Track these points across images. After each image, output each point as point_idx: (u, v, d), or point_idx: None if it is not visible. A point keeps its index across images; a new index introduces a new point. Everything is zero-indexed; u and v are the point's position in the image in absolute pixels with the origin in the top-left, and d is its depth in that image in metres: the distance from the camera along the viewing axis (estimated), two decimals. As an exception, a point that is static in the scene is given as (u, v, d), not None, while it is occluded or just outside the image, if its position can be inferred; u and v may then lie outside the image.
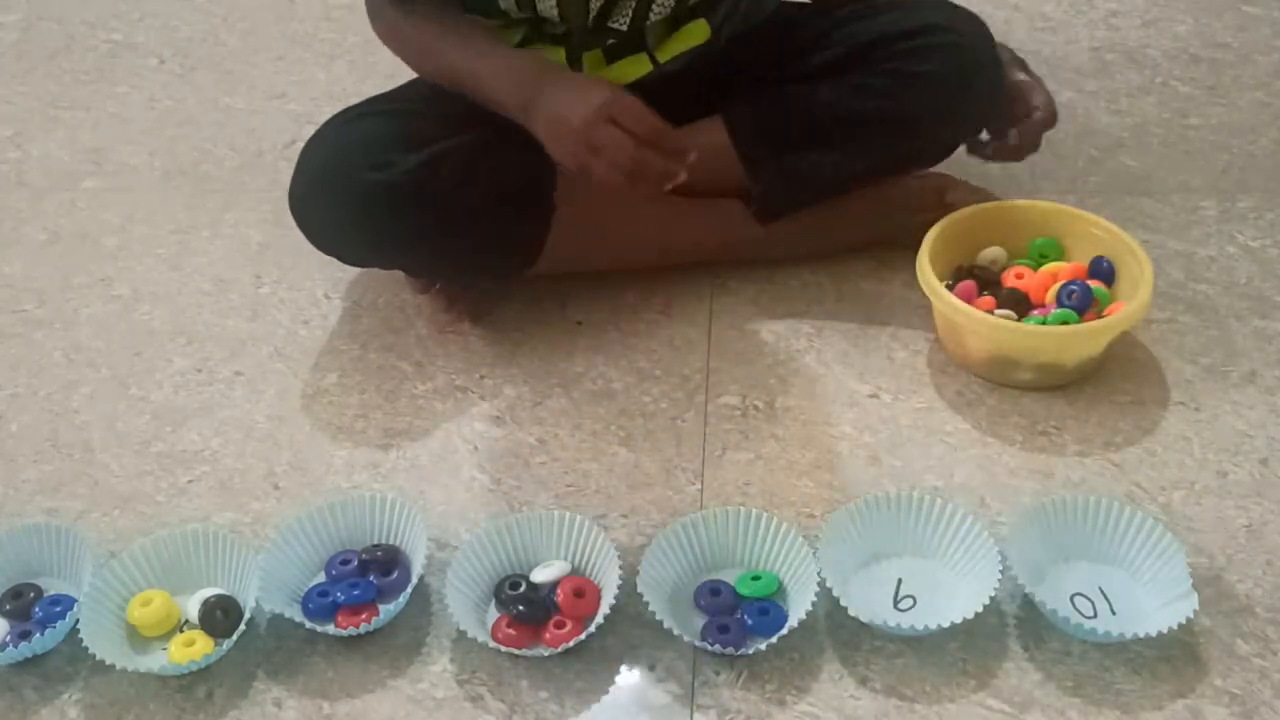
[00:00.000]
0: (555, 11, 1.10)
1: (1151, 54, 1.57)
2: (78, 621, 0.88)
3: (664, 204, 1.17)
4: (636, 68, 1.16)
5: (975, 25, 1.16)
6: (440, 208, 1.05)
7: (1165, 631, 0.83)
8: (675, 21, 1.15)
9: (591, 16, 1.10)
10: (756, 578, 0.90)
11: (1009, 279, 1.11)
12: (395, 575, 0.92)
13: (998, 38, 1.17)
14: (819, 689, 0.85)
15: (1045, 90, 1.16)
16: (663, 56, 1.16)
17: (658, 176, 0.98)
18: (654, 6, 1.11)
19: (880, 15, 1.17)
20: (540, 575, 0.91)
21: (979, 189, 1.20)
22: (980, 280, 1.10)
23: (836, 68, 1.14)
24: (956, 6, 1.17)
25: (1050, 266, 1.12)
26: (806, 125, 1.14)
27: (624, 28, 1.12)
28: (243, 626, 0.88)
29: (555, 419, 1.08)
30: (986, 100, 1.17)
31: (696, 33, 1.16)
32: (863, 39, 1.14)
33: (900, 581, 0.91)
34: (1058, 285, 1.09)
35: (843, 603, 0.85)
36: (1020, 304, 1.08)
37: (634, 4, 1.10)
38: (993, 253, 1.14)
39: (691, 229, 1.18)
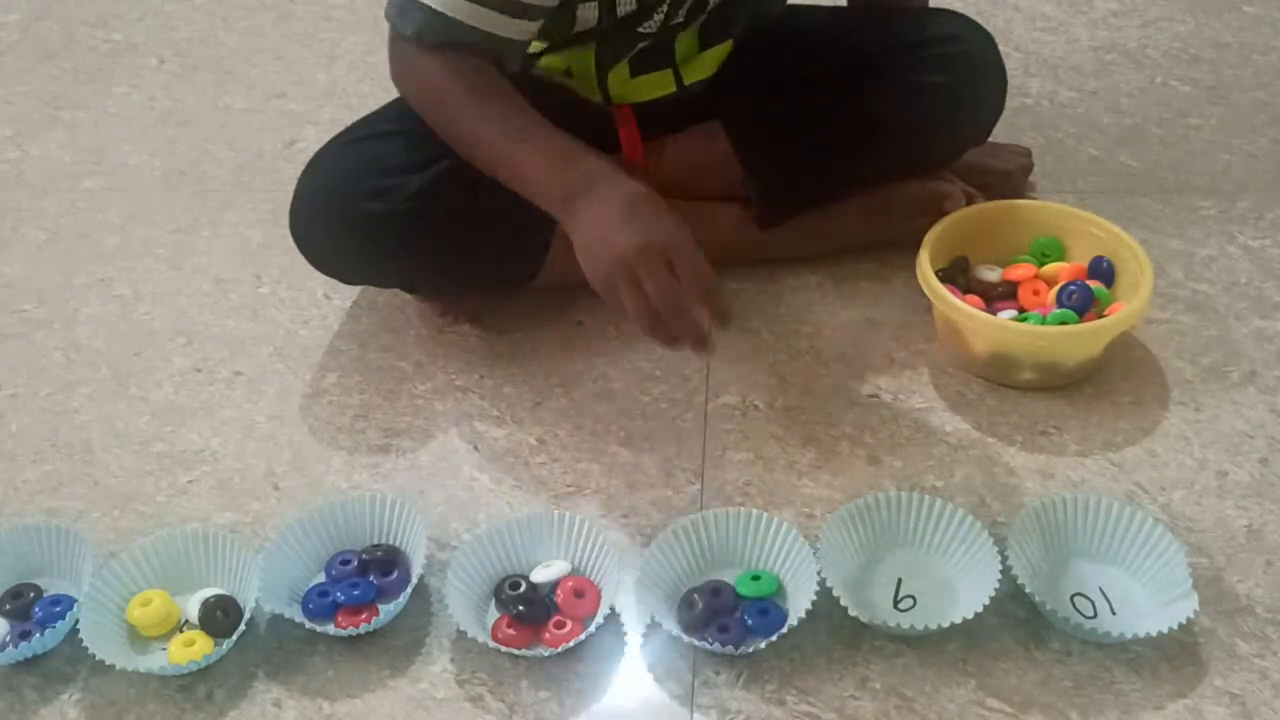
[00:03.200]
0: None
1: (1151, 54, 1.57)
2: (78, 621, 0.88)
3: None
4: (661, 85, 1.15)
5: (981, 36, 1.15)
6: (441, 233, 1.05)
7: (1165, 631, 0.83)
8: (705, 40, 1.14)
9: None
10: (756, 578, 0.90)
11: (1012, 274, 1.12)
12: (395, 575, 0.92)
13: (997, 38, 1.17)
14: (819, 689, 0.85)
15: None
16: (689, 76, 1.16)
17: (691, 338, 0.86)
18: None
19: (886, 24, 1.17)
20: (540, 575, 0.91)
21: (978, 194, 1.20)
22: (983, 297, 1.10)
23: (841, 75, 1.14)
24: (962, 17, 1.17)
25: (1050, 267, 1.12)
26: (808, 133, 1.14)
27: (653, 30, 1.10)
28: (243, 626, 0.88)
29: (555, 419, 1.08)
30: (990, 112, 1.17)
31: (723, 53, 1.16)
32: (868, 47, 1.14)
33: (900, 581, 0.91)
34: (1058, 285, 1.10)
35: (843, 603, 0.85)
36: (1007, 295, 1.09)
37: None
38: (988, 268, 1.14)
39: (692, 233, 1.18)
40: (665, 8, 1.06)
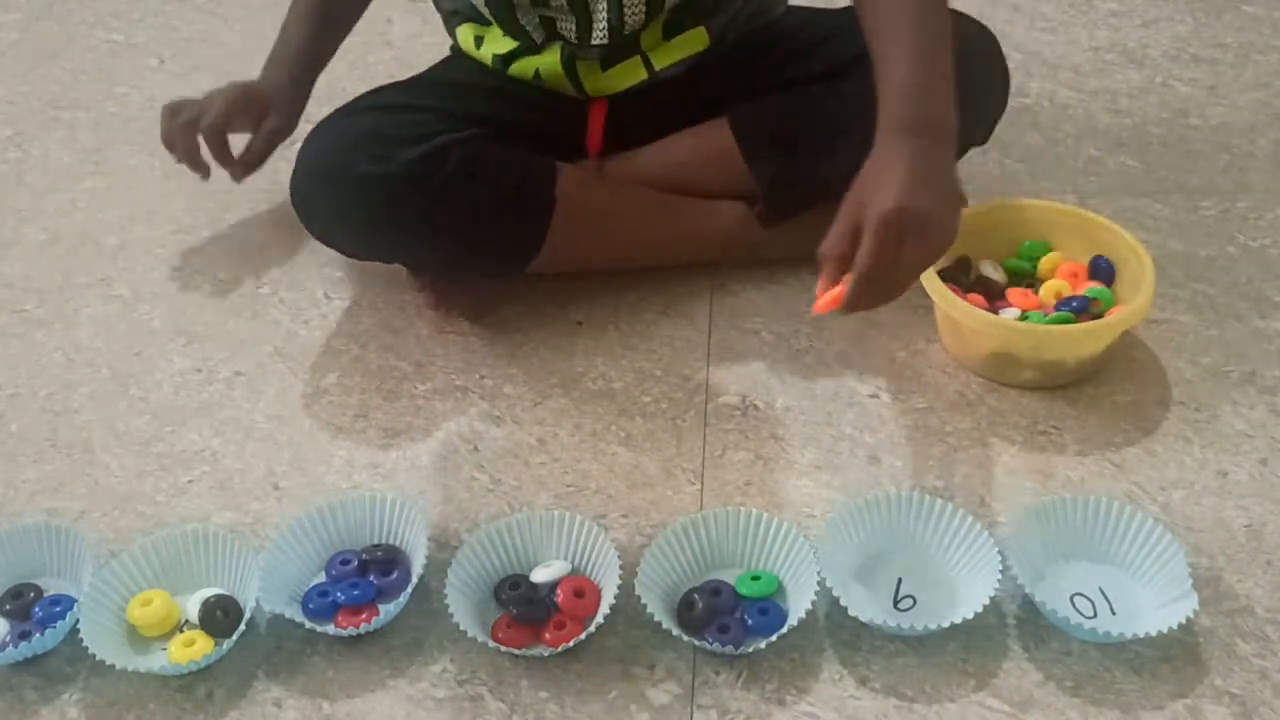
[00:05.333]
0: (540, 31, 1.11)
1: (1151, 54, 1.57)
2: (78, 621, 0.88)
3: (666, 203, 1.17)
4: (632, 74, 1.16)
5: (984, 37, 1.15)
6: (439, 201, 1.05)
7: (1165, 631, 0.83)
8: (672, 28, 1.15)
9: (572, 34, 1.12)
10: (756, 578, 0.90)
11: (1014, 296, 1.11)
12: (395, 575, 0.92)
13: (998, 38, 1.17)
14: (819, 689, 0.85)
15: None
16: (659, 63, 1.16)
17: None
18: (626, 17, 1.11)
19: None
20: (540, 575, 0.91)
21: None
22: (987, 294, 1.10)
23: (843, 71, 1.14)
24: (965, 17, 1.16)
25: (1051, 257, 1.13)
26: (812, 129, 1.14)
27: (605, 41, 1.12)
28: (243, 626, 0.88)
29: (555, 419, 1.08)
30: (992, 113, 1.17)
31: (695, 40, 1.16)
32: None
33: (900, 581, 0.91)
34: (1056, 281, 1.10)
35: (843, 603, 0.85)
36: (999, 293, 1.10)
37: (607, 18, 1.11)
38: (992, 265, 1.14)
39: (693, 228, 1.18)
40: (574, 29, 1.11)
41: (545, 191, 1.09)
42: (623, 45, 1.14)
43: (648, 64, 1.16)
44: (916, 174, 0.88)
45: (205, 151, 1.23)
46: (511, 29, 1.15)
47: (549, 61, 1.15)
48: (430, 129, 1.06)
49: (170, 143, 1.22)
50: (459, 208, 1.06)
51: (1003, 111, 1.18)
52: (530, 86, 1.17)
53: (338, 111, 1.12)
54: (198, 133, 1.21)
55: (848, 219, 0.89)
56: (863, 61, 1.13)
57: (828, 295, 0.88)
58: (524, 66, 1.16)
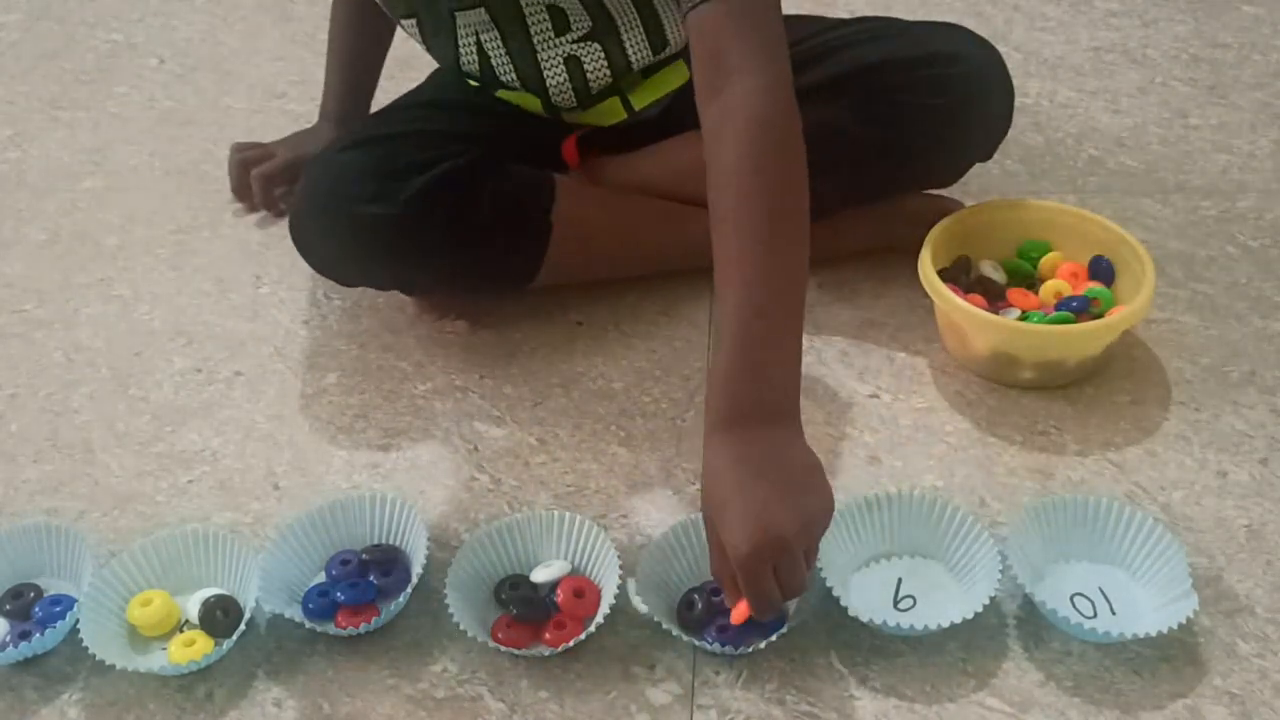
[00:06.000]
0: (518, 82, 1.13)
1: (1151, 54, 1.57)
2: (78, 621, 0.88)
3: (664, 213, 1.17)
4: (611, 113, 1.17)
5: (985, 55, 1.13)
6: (439, 235, 1.05)
7: (1165, 631, 0.83)
8: (650, 68, 1.14)
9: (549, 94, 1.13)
10: (756, 578, 0.90)
11: (1014, 296, 1.11)
12: (395, 575, 0.92)
13: (997, 38, 1.16)
14: (819, 689, 0.85)
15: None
16: (639, 102, 1.16)
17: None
18: (590, 84, 1.12)
19: (889, 39, 1.15)
20: (540, 575, 0.91)
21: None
22: (987, 294, 1.10)
23: (839, 88, 1.12)
24: (967, 33, 1.15)
25: (1051, 257, 1.13)
26: (807, 143, 1.13)
27: (573, 104, 1.13)
28: (243, 626, 0.88)
29: (555, 419, 1.08)
30: (995, 130, 1.15)
31: (675, 75, 1.16)
32: (869, 61, 1.12)
33: (900, 581, 0.91)
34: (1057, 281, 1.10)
35: (843, 603, 0.85)
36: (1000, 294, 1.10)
37: (571, 87, 1.12)
38: (992, 265, 1.14)
39: (690, 240, 1.17)
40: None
41: (541, 215, 1.09)
42: (597, 94, 1.14)
43: (626, 104, 1.16)
44: (751, 475, 0.78)
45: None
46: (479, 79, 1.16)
47: (529, 100, 1.15)
48: (425, 157, 1.05)
49: (229, 174, 1.39)
50: (456, 241, 1.06)
51: (1007, 128, 1.16)
52: (515, 106, 1.17)
53: (333, 144, 1.12)
54: (250, 173, 1.36)
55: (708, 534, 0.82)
56: (864, 74, 1.13)
57: (737, 610, 0.82)
58: (505, 95, 1.17)
